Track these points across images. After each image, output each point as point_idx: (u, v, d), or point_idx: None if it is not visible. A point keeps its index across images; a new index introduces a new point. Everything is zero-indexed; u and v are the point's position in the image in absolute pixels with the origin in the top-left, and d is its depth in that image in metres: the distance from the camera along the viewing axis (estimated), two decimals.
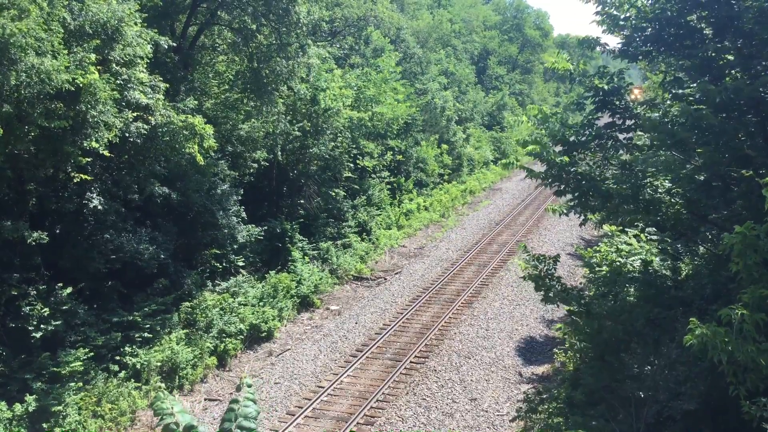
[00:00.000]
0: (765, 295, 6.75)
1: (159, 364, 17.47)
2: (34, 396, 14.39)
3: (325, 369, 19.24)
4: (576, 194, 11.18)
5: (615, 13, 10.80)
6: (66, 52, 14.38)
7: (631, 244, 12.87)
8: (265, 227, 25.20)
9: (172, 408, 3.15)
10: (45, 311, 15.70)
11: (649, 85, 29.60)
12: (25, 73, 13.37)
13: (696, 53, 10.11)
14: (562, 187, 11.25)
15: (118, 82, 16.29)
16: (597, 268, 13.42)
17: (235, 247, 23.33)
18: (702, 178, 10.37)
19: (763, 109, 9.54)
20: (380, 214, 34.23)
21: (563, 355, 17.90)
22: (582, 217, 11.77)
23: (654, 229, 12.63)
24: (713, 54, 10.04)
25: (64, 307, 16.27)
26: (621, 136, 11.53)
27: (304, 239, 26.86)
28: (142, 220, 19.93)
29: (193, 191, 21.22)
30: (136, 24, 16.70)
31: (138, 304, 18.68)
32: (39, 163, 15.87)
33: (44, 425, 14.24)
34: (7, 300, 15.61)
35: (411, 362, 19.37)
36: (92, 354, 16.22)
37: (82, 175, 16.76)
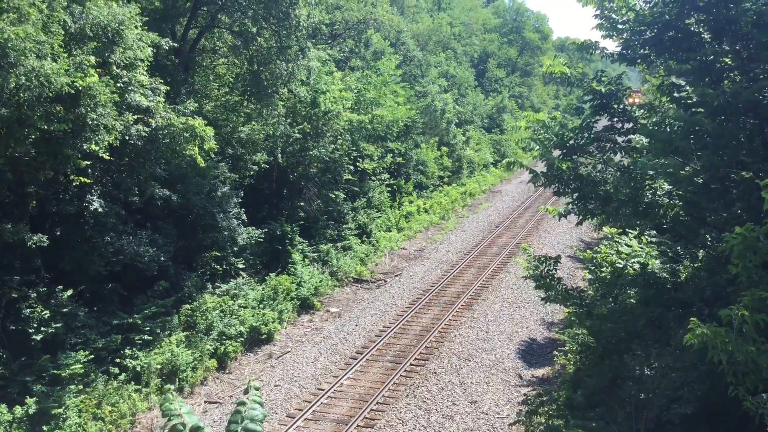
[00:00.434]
0: (765, 297, 6.76)
1: (159, 366, 17.48)
2: (34, 398, 14.42)
3: (325, 371, 19.25)
4: (575, 196, 11.22)
5: (614, 16, 10.82)
6: (66, 55, 14.41)
7: (631, 246, 12.89)
8: (266, 229, 25.23)
9: (179, 409, 3.17)
10: (45, 314, 15.72)
11: (648, 88, 29.65)
12: (25, 76, 13.39)
13: (694, 57, 10.14)
14: (562, 188, 11.28)
15: (119, 84, 16.32)
16: (597, 270, 13.44)
17: (236, 249, 23.35)
18: (701, 180, 10.39)
19: (762, 112, 9.56)
20: (380, 217, 34.26)
21: (563, 357, 17.90)
22: (580, 217, 11.79)
23: (654, 231, 12.65)
24: (712, 57, 10.07)
25: (64, 310, 16.29)
26: (620, 139, 11.57)
27: (304, 241, 26.89)
28: (142, 222, 19.95)
29: (194, 193, 21.24)
30: (136, 27, 16.74)
31: (138, 306, 18.71)
32: (39, 166, 15.89)
33: (44, 428, 14.25)
34: (8, 302, 15.63)
35: (411, 364, 19.38)
36: (92, 356, 16.24)
37: (81, 178, 16.79)
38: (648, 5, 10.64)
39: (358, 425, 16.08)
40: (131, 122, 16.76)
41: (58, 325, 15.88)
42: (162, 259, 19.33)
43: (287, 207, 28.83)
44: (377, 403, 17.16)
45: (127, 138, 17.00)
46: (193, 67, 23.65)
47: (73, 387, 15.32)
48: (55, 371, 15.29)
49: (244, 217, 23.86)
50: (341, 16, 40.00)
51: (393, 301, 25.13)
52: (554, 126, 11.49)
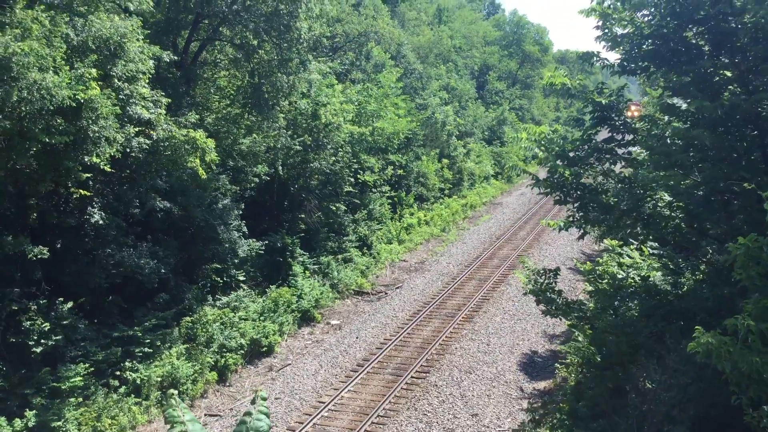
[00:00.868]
0: None
1: (159, 379, 17.41)
2: (33, 411, 14.34)
3: (325, 384, 19.16)
4: (577, 205, 11.23)
5: (615, 29, 10.89)
6: (68, 68, 14.48)
7: (633, 258, 12.89)
8: (266, 242, 25.21)
9: (183, 416, 3.15)
10: (45, 326, 15.67)
11: (648, 100, 29.75)
12: (27, 90, 13.44)
13: (694, 69, 10.19)
14: (564, 196, 11.29)
15: (120, 97, 16.38)
16: (597, 282, 13.42)
17: (236, 261, 23.32)
18: (701, 192, 10.40)
19: (761, 124, 9.59)
20: (381, 229, 34.24)
21: (565, 370, 17.82)
22: (581, 231, 11.80)
23: (655, 243, 12.65)
24: (711, 69, 10.11)
25: (64, 322, 16.24)
26: (620, 151, 11.61)
27: (305, 253, 26.87)
28: (143, 234, 19.94)
29: (195, 206, 21.24)
30: (138, 40, 16.83)
31: (138, 318, 18.65)
32: (40, 178, 15.90)
33: None
34: (8, 315, 15.58)
35: (412, 377, 19.29)
36: (92, 369, 16.18)
37: (82, 191, 16.81)
38: (647, 18, 10.71)
39: None
40: (132, 134, 16.80)
41: (58, 337, 15.83)
42: (162, 271, 19.30)
43: (288, 219, 28.81)
44: (378, 416, 17.06)
45: (128, 150, 17.04)
46: (194, 80, 23.75)
47: (72, 400, 15.25)
48: (54, 384, 15.22)
49: (244, 229, 23.85)
50: (342, 29, 40.22)
51: (394, 313, 25.07)
52: (556, 138, 11.53)
